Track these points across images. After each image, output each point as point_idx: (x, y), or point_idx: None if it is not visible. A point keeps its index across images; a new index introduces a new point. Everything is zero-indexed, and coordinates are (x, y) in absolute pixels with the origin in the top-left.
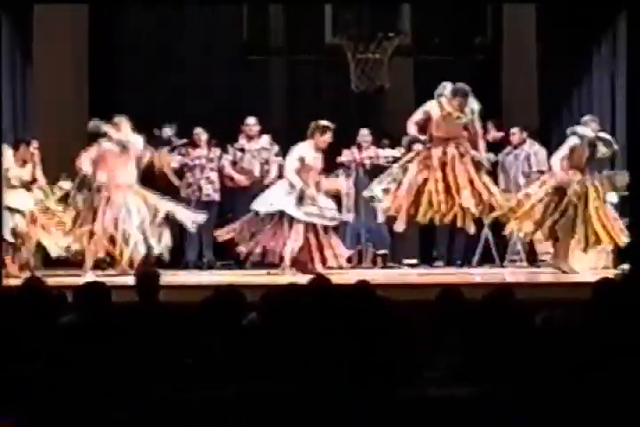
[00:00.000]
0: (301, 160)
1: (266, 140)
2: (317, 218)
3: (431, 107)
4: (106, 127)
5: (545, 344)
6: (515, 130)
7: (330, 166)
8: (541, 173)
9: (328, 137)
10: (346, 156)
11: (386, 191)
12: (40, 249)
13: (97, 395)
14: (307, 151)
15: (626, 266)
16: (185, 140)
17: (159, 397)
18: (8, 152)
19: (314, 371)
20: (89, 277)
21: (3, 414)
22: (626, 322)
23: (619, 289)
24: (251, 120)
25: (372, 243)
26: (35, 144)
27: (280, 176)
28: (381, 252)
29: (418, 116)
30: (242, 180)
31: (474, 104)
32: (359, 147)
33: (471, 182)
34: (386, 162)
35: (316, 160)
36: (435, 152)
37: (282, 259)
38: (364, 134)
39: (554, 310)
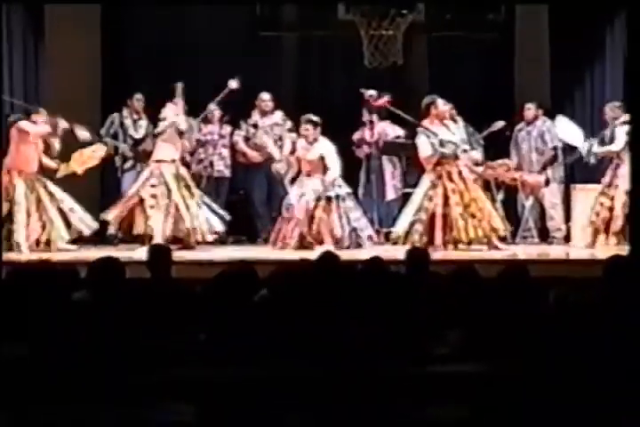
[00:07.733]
0: None
1: (279, 115)
2: None
3: None
4: None
5: (559, 322)
6: (530, 105)
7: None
8: (555, 149)
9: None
10: (357, 134)
11: None
12: None
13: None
14: None
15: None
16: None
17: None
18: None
19: (322, 348)
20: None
21: None
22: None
23: (629, 266)
24: (265, 96)
25: (381, 220)
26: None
27: (292, 152)
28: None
29: None
30: (254, 156)
31: None
32: (371, 124)
33: None
34: (396, 138)
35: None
36: None
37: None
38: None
39: (567, 288)
